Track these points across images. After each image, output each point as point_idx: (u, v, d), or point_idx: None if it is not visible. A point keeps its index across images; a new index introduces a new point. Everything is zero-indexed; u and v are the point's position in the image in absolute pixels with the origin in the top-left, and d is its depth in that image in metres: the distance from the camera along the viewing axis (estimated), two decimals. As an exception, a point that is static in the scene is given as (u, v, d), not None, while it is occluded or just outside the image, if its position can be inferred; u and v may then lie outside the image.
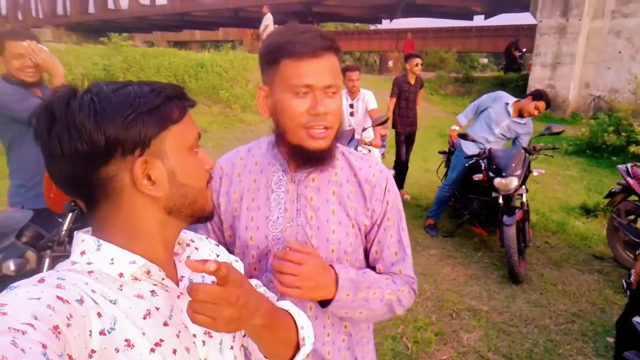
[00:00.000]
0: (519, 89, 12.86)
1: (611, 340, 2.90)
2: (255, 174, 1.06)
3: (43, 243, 1.78)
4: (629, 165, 3.80)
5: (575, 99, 11.64)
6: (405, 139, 5.64)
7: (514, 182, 3.65)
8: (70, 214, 1.83)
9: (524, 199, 3.88)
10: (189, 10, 20.84)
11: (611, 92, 10.87)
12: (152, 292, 0.69)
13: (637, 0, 10.44)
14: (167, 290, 0.70)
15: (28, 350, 0.46)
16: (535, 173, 3.95)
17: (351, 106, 4.74)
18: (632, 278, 2.99)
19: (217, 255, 0.86)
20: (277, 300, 0.93)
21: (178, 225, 0.73)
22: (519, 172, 3.69)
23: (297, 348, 0.83)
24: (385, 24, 22.89)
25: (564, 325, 3.08)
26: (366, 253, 1.09)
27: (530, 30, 13.29)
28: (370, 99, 4.67)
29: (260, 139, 1.13)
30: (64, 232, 1.81)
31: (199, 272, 0.65)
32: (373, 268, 1.09)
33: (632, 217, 3.90)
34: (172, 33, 28.09)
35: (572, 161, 7.99)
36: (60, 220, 1.86)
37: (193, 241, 0.83)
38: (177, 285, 0.74)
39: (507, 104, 4.14)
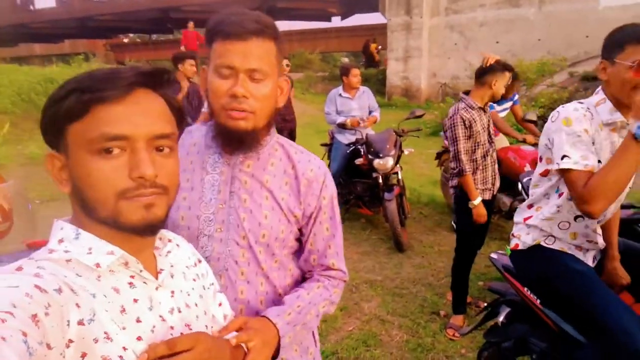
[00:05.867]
0: (379, 82, 14.08)
1: (481, 283, 3.43)
2: (192, 156, 1.06)
3: None
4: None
5: (427, 88, 13.18)
6: (287, 136, 5.85)
7: (390, 161, 4.07)
8: None
9: (400, 177, 4.34)
10: (24, 22, 18.43)
11: (453, 79, 12.56)
12: (130, 284, 0.68)
13: (463, -1, 12.23)
14: (145, 282, 0.70)
15: (9, 338, 0.46)
16: (406, 152, 4.46)
17: None
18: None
19: (199, 261, 0.86)
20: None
21: (107, 231, 0.66)
22: (393, 152, 4.12)
23: None
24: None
25: (444, 279, 3.53)
26: (301, 245, 1.12)
27: (383, 29, 14.60)
28: None
29: (207, 122, 1.12)
30: None
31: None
32: (306, 261, 1.11)
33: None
34: (5, 49, 24.53)
35: (431, 141, 9.06)
36: None
37: (175, 239, 0.82)
38: (156, 278, 0.73)
39: (340, 94, 4.79)
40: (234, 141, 0.98)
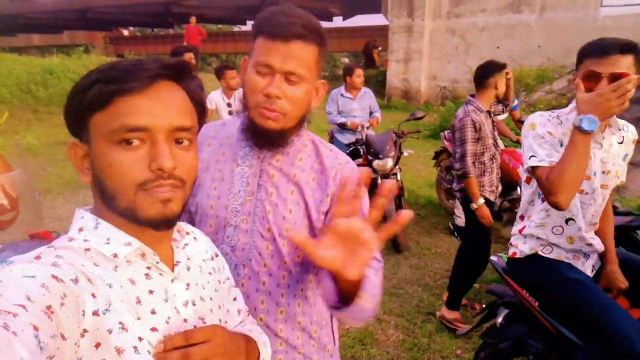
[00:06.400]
0: (379, 83, 14.10)
1: (476, 285, 3.45)
2: (225, 147, 1.09)
3: None
4: (446, 132, 4.77)
5: (426, 90, 13.21)
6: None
7: (389, 162, 4.08)
8: None
9: (399, 177, 4.35)
10: (22, 12, 18.29)
11: (453, 82, 12.60)
12: (146, 275, 0.68)
13: (465, 3, 12.26)
14: (161, 274, 0.70)
15: (20, 333, 0.46)
16: (405, 153, 4.47)
17: (229, 105, 4.83)
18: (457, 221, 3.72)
19: (216, 255, 0.87)
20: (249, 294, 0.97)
21: (125, 222, 0.66)
22: (392, 154, 4.13)
23: None
24: (250, 25, 22.97)
25: (441, 280, 3.56)
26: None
27: (384, 30, 14.61)
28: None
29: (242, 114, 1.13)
30: None
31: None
32: None
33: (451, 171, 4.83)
34: (3, 38, 24.34)
35: (430, 144, 9.07)
36: None
37: (193, 232, 0.83)
38: (172, 270, 0.73)
39: (342, 94, 4.77)
40: (262, 139, 1.01)
